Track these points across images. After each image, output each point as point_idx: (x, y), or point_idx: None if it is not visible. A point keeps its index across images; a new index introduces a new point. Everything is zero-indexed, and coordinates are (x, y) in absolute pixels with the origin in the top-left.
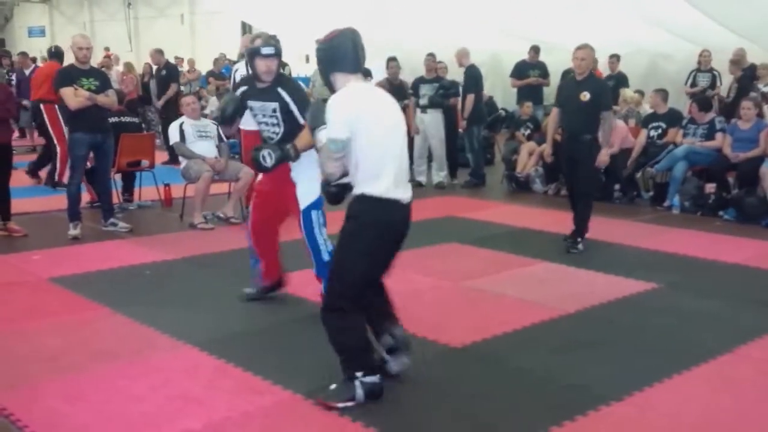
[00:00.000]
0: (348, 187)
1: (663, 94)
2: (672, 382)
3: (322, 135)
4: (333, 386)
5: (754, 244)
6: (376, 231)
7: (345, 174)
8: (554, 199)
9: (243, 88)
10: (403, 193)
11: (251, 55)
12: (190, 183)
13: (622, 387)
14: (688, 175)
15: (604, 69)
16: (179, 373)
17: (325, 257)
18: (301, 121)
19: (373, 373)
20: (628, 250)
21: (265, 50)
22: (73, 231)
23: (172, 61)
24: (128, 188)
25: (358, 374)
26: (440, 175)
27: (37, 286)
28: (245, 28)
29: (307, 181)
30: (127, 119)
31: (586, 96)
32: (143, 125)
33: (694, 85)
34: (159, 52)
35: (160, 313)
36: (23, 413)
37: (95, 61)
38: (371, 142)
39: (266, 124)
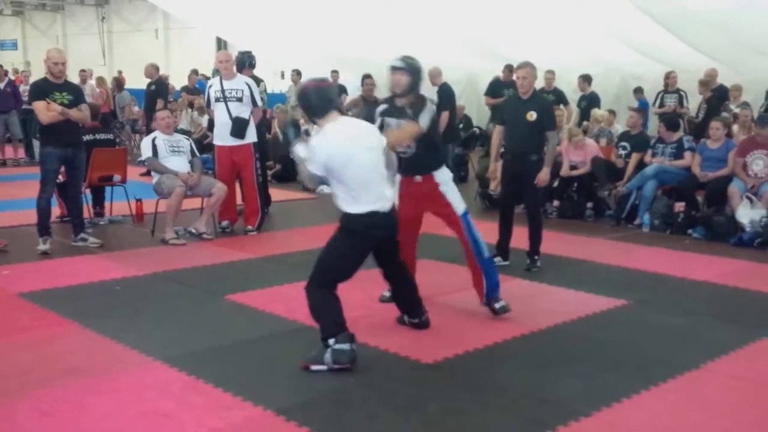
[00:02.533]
0: None
1: (642, 114)
2: (640, 397)
3: (299, 149)
4: (313, 353)
5: (722, 262)
6: (353, 239)
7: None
8: (525, 217)
9: (383, 107)
10: (382, 204)
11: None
12: (163, 198)
13: (591, 402)
14: (658, 194)
15: (575, 89)
16: (149, 389)
17: (485, 254)
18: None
19: (344, 342)
20: (598, 267)
21: (394, 63)
22: (43, 246)
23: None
24: (99, 203)
25: (330, 341)
26: None
27: (5, 302)
28: (220, 44)
29: (454, 192)
30: (102, 136)
31: (533, 116)
32: (117, 141)
33: (661, 105)
34: (154, 67)
35: (131, 329)
36: None
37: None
38: (342, 179)
39: None
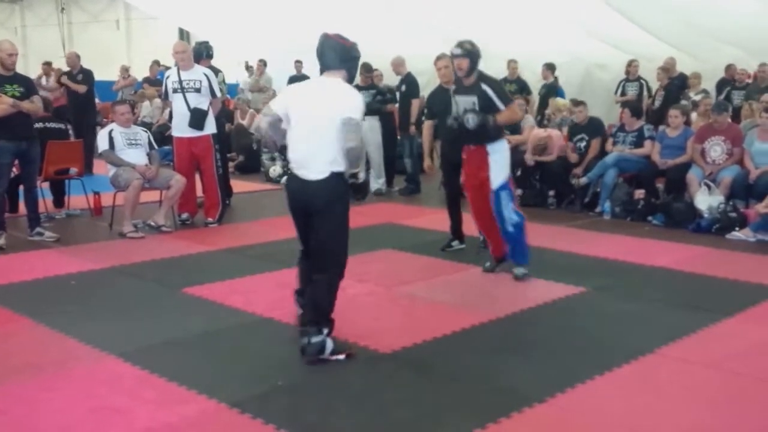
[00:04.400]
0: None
1: (584, 106)
2: (594, 383)
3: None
4: (313, 339)
5: (681, 248)
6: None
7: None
8: None
9: (453, 87)
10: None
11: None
12: (120, 191)
13: (545, 388)
14: (619, 182)
15: (538, 77)
16: (102, 384)
17: (510, 229)
18: (501, 107)
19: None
20: (560, 255)
21: (454, 52)
22: None
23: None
24: (59, 197)
25: (325, 330)
26: (378, 182)
27: None
28: (182, 34)
29: (498, 169)
30: (53, 125)
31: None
32: (70, 132)
33: (623, 94)
34: (76, 56)
35: (85, 324)
36: None
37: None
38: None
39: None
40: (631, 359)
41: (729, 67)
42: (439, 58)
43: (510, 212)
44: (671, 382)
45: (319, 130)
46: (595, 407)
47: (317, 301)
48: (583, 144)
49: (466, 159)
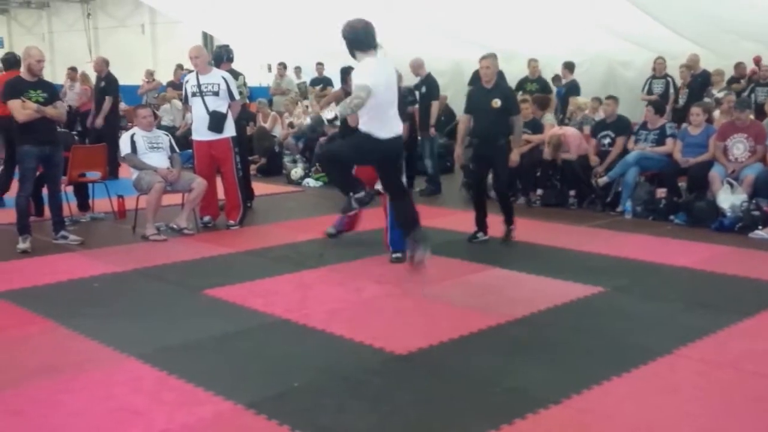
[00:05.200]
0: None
1: (615, 101)
2: (611, 384)
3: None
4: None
5: (703, 248)
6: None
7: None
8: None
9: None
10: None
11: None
12: (143, 194)
13: (561, 390)
14: (640, 181)
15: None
16: (121, 385)
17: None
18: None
19: (359, 191)
20: (578, 255)
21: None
22: (23, 244)
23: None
24: (83, 201)
25: (351, 193)
26: None
27: None
28: (206, 38)
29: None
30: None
31: (497, 103)
32: (76, 137)
33: (650, 92)
34: (105, 61)
35: (106, 326)
36: None
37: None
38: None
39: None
40: (649, 360)
41: (738, 66)
42: (484, 57)
43: None
44: (689, 383)
45: (395, 98)
46: (612, 409)
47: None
48: (607, 141)
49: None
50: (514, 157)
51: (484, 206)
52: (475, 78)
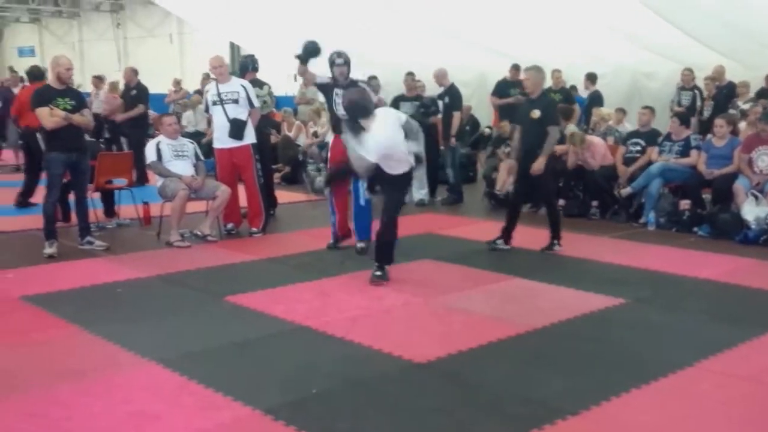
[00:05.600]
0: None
1: (652, 111)
2: (630, 396)
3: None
4: (377, 273)
5: (727, 260)
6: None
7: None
8: (532, 217)
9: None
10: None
11: (329, 65)
12: (167, 201)
13: (580, 401)
14: (664, 192)
15: (581, 88)
16: (141, 390)
17: (362, 203)
18: None
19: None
20: (601, 266)
21: (338, 60)
22: (49, 249)
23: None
24: (110, 207)
25: (386, 266)
26: (421, 192)
27: (7, 305)
28: (233, 48)
29: None
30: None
31: (536, 113)
32: (102, 144)
33: (679, 103)
34: (134, 71)
35: (129, 331)
36: None
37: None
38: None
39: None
40: (670, 372)
41: None
42: (525, 70)
43: (363, 190)
44: (710, 396)
45: (400, 143)
46: (631, 421)
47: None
48: (636, 149)
49: (334, 146)
50: (537, 165)
51: (516, 219)
52: (499, 87)
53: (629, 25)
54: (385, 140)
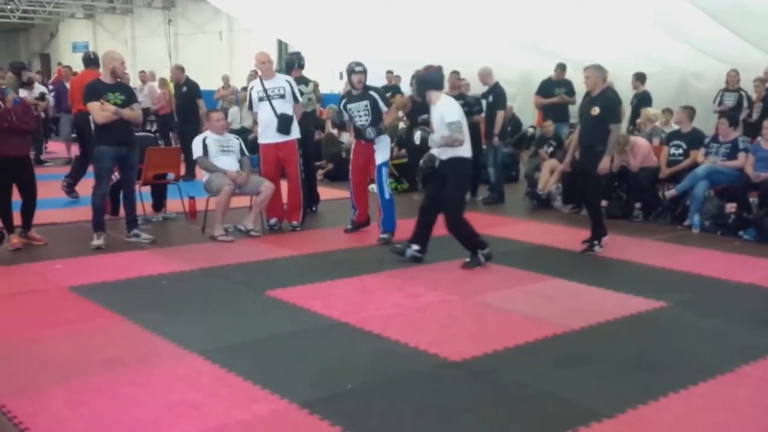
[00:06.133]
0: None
1: (689, 111)
2: (668, 400)
3: (436, 136)
4: (467, 260)
5: None
6: (466, 179)
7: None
8: (574, 217)
9: (343, 100)
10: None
11: (348, 73)
12: (212, 196)
13: (616, 404)
14: (710, 195)
15: (629, 88)
16: (181, 381)
17: (387, 196)
18: (384, 110)
19: (484, 248)
20: (642, 268)
21: (358, 68)
22: (97, 241)
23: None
24: (158, 201)
25: (478, 251)
26: None
27: (55, 295)
28: (281, 45)
29: (380, 152)
30: (142, 134)
31: (595, 110)
32: (159, 139)
33: (721, 104)
34: (179, 69)
35: (171, 322)
36: (26, 417)
37: (138, 78)
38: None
39: (359, 117)
40: (709, 377)
41: None
42: (585, 68)
43: (387, 185)
44: (750, 402)
45: None
46: (668, 426)
47: None
48: (678, 152)
49: (355, 151)
50: (603, 164)
51: (600, 212)
52: (544, 86)
53: (679, 25)
54: (450, 111)
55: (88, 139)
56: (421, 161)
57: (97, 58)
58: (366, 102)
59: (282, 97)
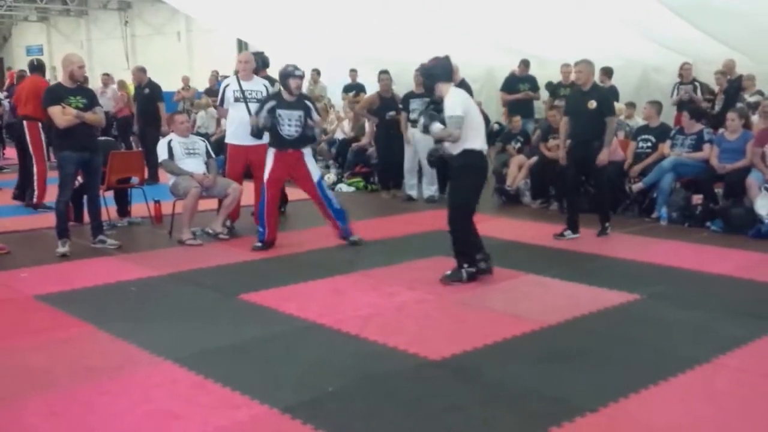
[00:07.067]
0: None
1: (657, 106)
2: (648, 392)
3: (437, 126)
4: (448, 272)
5: (740, 255)
6: (479, 174)
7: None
8: (543, 212)
9: (272, 102)
10: (484, 147)
11: (284, 76)
12: (179, 199)
13: (598, 398)
14: (676, 187)
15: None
16: (158, 388)
17: (337, 207)
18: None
19: (471, 266)
20: (614, 261)
21: (297, 72)
22: (62, 248)
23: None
24: (123, 205)
25: (465, 265)
26: (431, 189)
27: (21, 304)
28: (241, 45)
29: (313, 165)
30: (102, 138)
31: (593, 104)
32: (120, 142)
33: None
34: (141, 70)
35: (143, 330)
36: (1, 430)
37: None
38: (469, 121)
39: (290, 126)
40: (687, 369)
41: None
42: (576, 63)
43: (333, 195)
44: (729, 393)
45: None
46: (649, 418)
47: None
48: (647, 145)
49: (279, 159)
50: (602, 156)
51: (578, 205)
52: (508, 82)
53: (638, 19)
54: (453, 104)
55: (26, 148)
56: (427, 155)
57: (41, 64)
58: (301, 112)
59: (259, 101)
